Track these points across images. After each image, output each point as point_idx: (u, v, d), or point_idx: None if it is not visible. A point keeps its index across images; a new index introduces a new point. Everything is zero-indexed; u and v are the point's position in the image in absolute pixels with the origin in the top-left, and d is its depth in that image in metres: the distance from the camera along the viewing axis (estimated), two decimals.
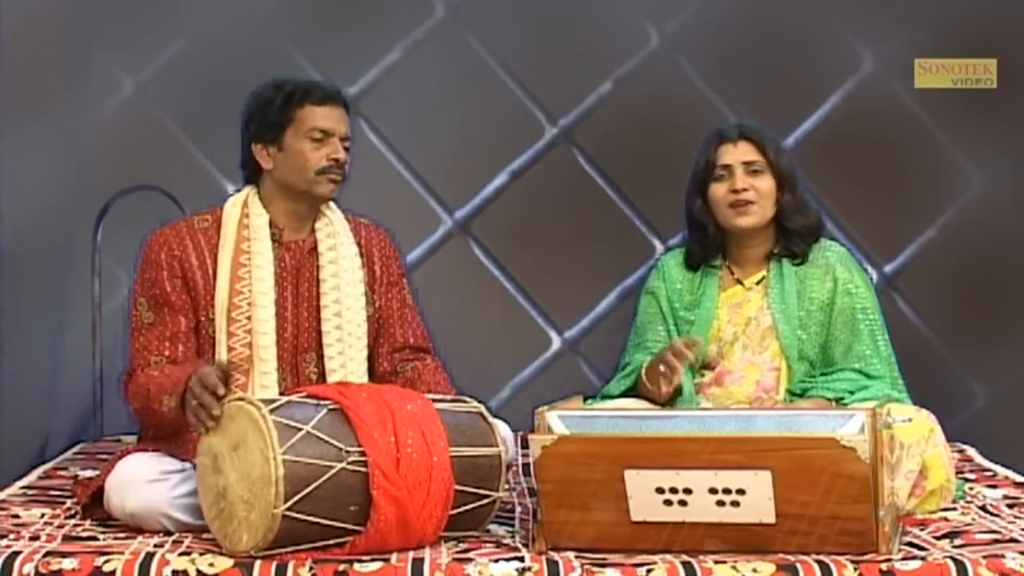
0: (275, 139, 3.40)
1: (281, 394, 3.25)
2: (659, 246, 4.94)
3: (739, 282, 3.64)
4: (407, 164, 5.01)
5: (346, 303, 3.44)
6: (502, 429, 3.23)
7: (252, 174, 3.48)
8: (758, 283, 3.63)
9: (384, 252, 3.57)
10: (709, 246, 3.66)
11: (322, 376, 3.41)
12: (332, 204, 3.52)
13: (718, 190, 3.59)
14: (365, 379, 3.46)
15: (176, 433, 3.28)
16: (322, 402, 3.01)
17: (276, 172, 3.42)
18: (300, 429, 2.91)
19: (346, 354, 3.42)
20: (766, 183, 3.58)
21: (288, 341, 3.41)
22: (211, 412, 2.98)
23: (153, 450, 3.30)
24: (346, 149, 3.43)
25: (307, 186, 3.40)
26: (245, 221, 3.42)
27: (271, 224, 3.43)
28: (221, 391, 3.00)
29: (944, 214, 5.04)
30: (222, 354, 3.33)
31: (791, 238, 3.62)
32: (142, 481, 3.17)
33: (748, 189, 3.56)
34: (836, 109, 5.03)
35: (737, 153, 3.59)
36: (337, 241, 3.47)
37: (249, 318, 3.35)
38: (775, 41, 5.01)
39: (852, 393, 3.48)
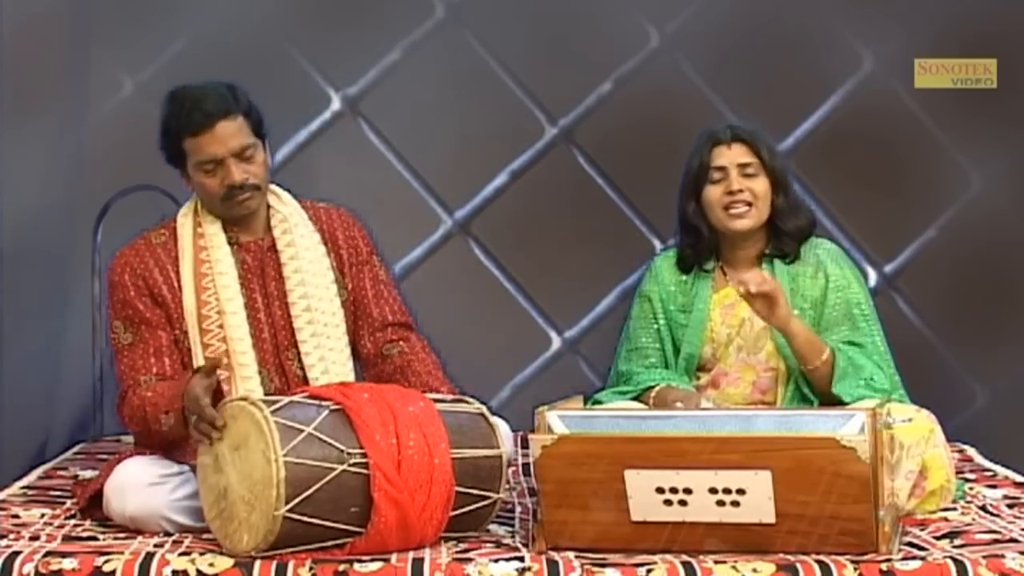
0: (182, 171, 3.39)
1: (269, 394, 3.24)
2: (659, 246, 4.92)
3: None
4: (407, 164, 5.00)
5: (315, 294, 3.40)
6: (502, 428, 3.23)
7: None
8: None
9: (348, 233, 3.51)
10: (702, 249, 3.64)
11: (305, 372, 3.39)
12: (284, 197, 3.47)
13: (713, 192, 3.58)
14: (348, 368, 3.42)
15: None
16: (324, 403, 3.00)
17: (197, 195, 3.42)
18: (302, 430, 2.90)
19: (323, 346, 3.39)
20: (761, 185, 3.57)
21: (267, 342, 3.38)
22: (214, 423, 2.98)
23: (152, 453, 3.29)
24: (247, 158, 3.32)
25: (221, 211, 3.37)
26: (199, 230, 3.39)
27: (225, 229, 3.40)
28: (204, 402, 2.99)
29: (944, 214, 5.03)
30: (199, 363, 3.30)
31: (783, 239, 3.61)
32: (141, 484, 3.17)
33: (744, 191, 3.55)
34: (836, 109, 5.02)
35: (731, 155, 3.57)
36: (295, 235, 3.42)
37: (221, 326, 3.33)
38: (775, 41, 5.01)
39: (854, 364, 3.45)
